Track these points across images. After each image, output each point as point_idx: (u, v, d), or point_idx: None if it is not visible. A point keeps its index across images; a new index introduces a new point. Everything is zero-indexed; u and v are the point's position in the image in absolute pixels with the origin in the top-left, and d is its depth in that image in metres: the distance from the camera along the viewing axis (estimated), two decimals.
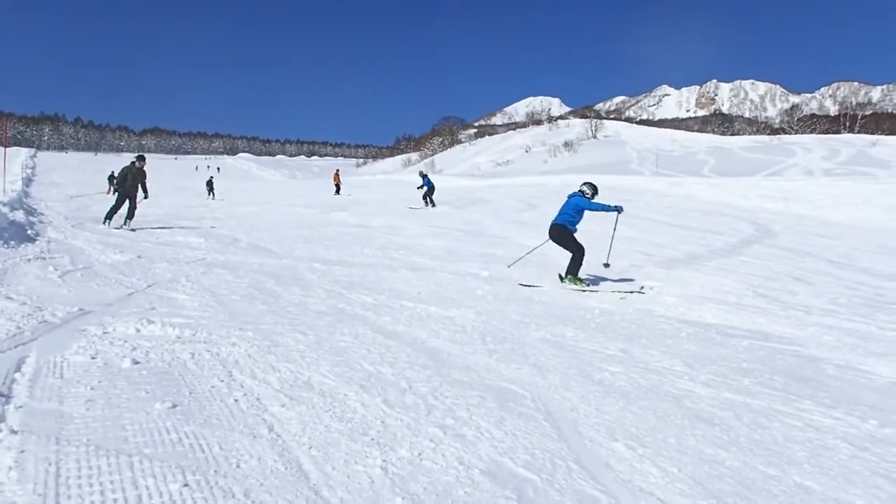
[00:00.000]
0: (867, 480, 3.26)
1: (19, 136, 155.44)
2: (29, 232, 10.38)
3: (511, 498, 2.87)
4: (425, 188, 23.39)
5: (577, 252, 8.54)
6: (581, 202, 8.85)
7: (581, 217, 8.83)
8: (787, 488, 3.14)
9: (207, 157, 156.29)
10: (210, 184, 30.52)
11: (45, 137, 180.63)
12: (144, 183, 13.20)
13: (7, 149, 30.00)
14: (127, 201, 12.71)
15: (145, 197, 13.38)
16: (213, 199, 27.50)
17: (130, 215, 12.61)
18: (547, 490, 2.98)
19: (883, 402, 4.51)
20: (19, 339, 4.61)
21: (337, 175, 33.39)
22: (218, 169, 61.61)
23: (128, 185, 12.88)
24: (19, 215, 11.45)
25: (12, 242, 8.95)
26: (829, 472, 3.33)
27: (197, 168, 66.11)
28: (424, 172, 27.34)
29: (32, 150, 75.99)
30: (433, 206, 22.63)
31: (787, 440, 3.73)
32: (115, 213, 12.69)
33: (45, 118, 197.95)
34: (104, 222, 12.56)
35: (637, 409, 4.11)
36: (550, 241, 8.99)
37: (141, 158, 13.37)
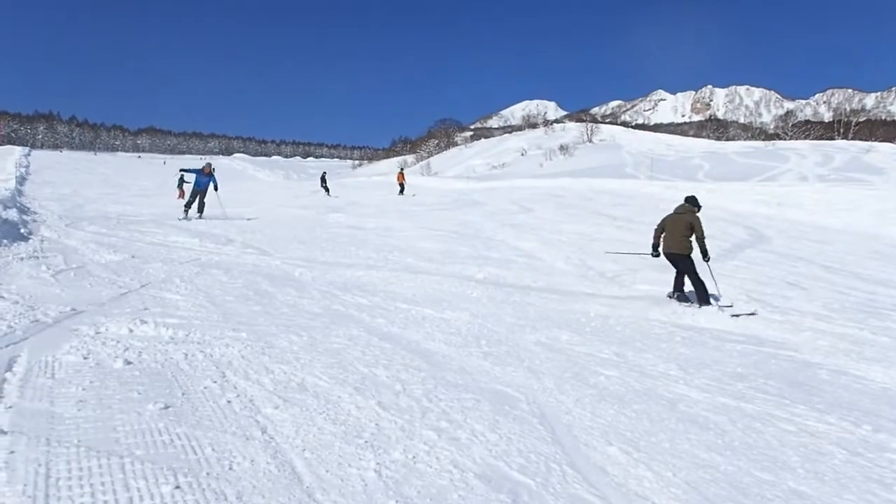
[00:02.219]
0: (861, 486, 3.26)
1: (13, 135, 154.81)
2: (22, 230, 10.31)
3: (506, 502, 2.87)
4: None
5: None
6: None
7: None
8: (781, 493, 3.14)
9: (202, 157, 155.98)
10: (323, 179, 32.07)
11: (40, 136, 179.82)
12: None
13: (1, 147, 29.73)
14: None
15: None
16: (328, 195, 29.04)
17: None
18: (542, 494, 2.97)
19: (876, 407, 4.53)
20: (10, 339, 4.57)
21: (401, 174, 32.49)
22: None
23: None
24: (12, 214, 11.38)
25: (5, 241, 8.89)
26: (823, 478, 3.33)
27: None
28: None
29: (27, 149, 75.60)
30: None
31: (781, 445, 3.73)
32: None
33: (39, 116, 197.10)
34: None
35: (632, 413, 4.10)
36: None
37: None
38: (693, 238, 7.85)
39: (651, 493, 3.06)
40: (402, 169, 33.68)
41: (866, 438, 3.92)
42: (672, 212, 8.22)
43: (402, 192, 30.51)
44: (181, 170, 18.62)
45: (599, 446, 3.56)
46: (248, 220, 15.49)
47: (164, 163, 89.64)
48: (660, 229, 8.18)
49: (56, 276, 7.06)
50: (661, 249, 8.14)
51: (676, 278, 8.10)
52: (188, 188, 28.08)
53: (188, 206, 15.35)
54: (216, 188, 15.78)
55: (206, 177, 15.64)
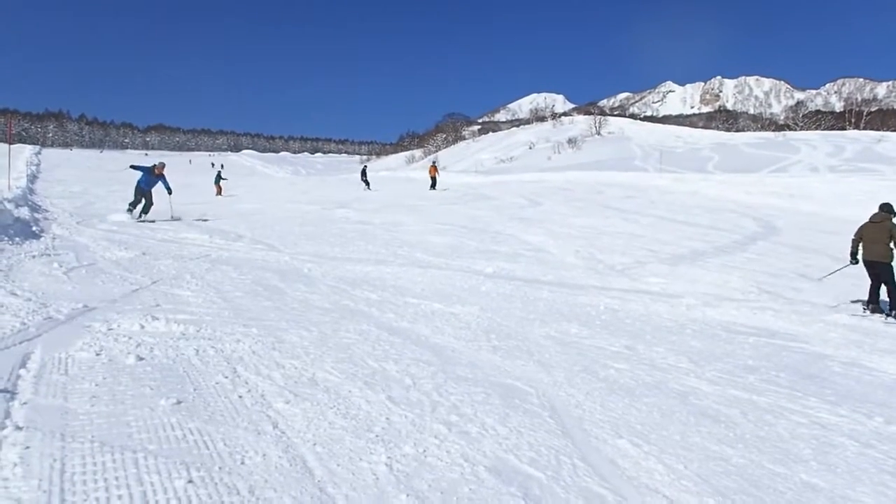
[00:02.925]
0: (874, 478, 3.24)
1: (24, 133, 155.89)
2: (34, 228, 10.40)
3: (516, 495, 2.87)
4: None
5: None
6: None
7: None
8: (793, 486, 3.13)
9: (211, 153, 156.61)
10: (364, 173, 32.41)
11: (50, 134, 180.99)
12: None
13: (12, 146, 29.99)
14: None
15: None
16: (368, 189, 29.65)
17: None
18: (552, 487, 2.97)
19: (889, 398, 4.50)
20: (24, 336, 4.62)
21: (434, 168, 31.62)
22: (222, 165, 61.79)
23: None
24: (24, 212, 11.48)
25: (17, 239, 8.97)
26: (836, 470, 3.32)
27: (213, 165, 66.27)
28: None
29: (37, 147, 76.05)
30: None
31: (793, 437, 3.72)
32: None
33: (49, 115, 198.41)
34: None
35: (642, 406, 4.10)
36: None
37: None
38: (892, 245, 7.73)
39: (662, 485, 3.06)
40: (434, 163, 32.90)
41: (878, 430, 3.89)
42: (867, 220, 8.10)
43: (433, 185, 29.80)
44: (130, 165, 16.75)
45: (610, 439, 3.55)
46: (206, 220, 14.63)
47: (191, 162, 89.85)
48: (857, 238, 8.12)
49: (68, 273, 7.12)
50: (859, 257, 8.03)
51: (872, 289, 7.78)
52: (224, 184, 28.54)
53: (132, 205, 14.10)
54: (169, 191, 14.70)
55: (155, 177, 14.37)
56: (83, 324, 5.08)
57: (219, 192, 25.78)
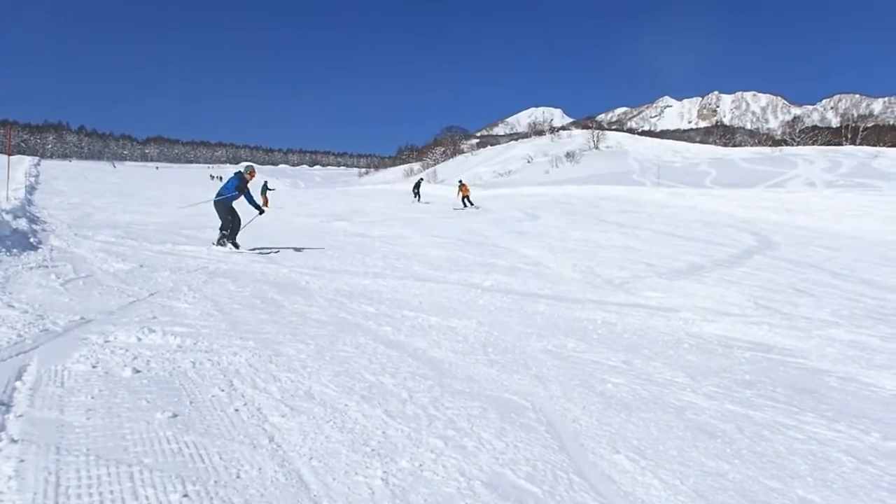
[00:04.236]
0: (871, 494, 3.24)
1: (23, 145, 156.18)
2: (31, 240, 10.40)
3: None
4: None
5: None
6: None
7: None
8: (789, 501, 3.13)
9: (210, 166, 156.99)
10: (418, 185, 32.51)
11: (49, 146, 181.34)
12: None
13: (10, 157, 30.03)
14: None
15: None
16: (418, 201, 29.72)
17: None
18: (548, 502, 2.96)
19: (886, 414, 4.50)
20: (20, 348, 4.61)
21: (465, 188, 29.67)
22: (220, 178, 61.91)
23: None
24: (22, 223, 11.48)
25: (15, 250, 8.96)
26: (832, 486, 3.31)
27: (213, 178, 66.34)
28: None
29: (36, 159, 76.23)
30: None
31: (789, 453, 3.71)
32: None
33: (48, 126, 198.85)
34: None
35: (639, 421, 4.09)
36: None
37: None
38: None
39: (658, 501, 3.05)
40: (462, 182, 31.08)
41: (875, 446, 3.89)
42: None
43: (465, 204, 28.74)
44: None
45: (606, 454, 3.55)
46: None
47: (157, 168, 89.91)
48: None
49: (65, 285, 7.12)
50: None
51: None
52: (271, 195, 28.32)
53: (225, 229, 11.23)
54: (257, 208, 11.91)
55: (243, 188, 11.52)
56: (80, 336, 5.07)
57: (265, 204, 25.71)
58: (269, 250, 11.34)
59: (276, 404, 3.91)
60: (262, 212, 11.81)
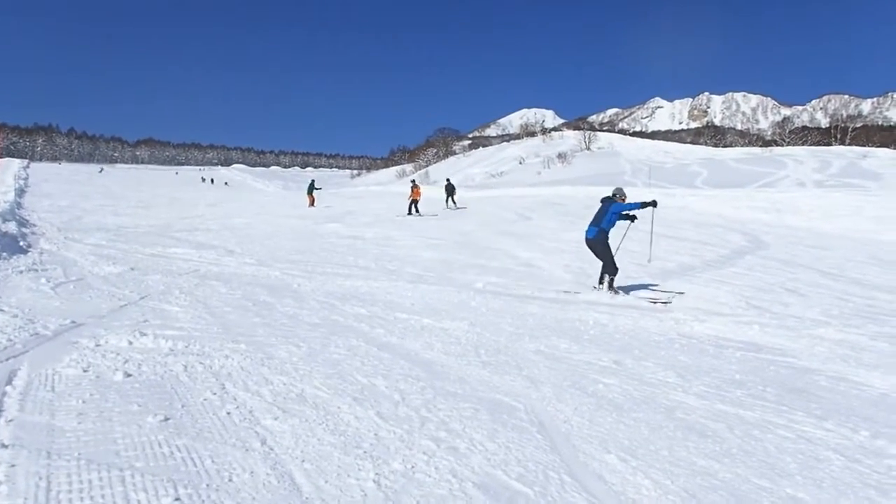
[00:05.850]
0: (859, 492, 3.27)
1: (12, 147, 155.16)
2: (21, 243, 10.34)
3: None
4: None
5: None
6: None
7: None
8: (779, 500, 3.15)
9: (202, 168, 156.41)
10: (450, 189, 28.64)
11: (39, 148, 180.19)
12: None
13: (0, 160, 29.77)
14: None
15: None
16: (448, 206, 27.35)
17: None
18: (540, 503, 2.98)
19: (875, 413, 4.53)
20: (10, 352, 4.59)
21: (417, 190, 26.15)
22: (212, 180, 61.77)
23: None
24: (11, 226, 11.41)
25: (4, 254, 8.91)
26: (821, 484, 3.34)
27: (204, 180, 65.79)
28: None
29: (25, 161, 75.66)
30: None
31: (779, 452, 3.74)
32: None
33: (38, 129, 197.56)
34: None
35: (630, 421, 4.11)
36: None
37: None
38: None
39: (649, 500, 3.07)
40: (415, 183, 28.25)
41: (864, 444, 3.92)
42: None
43: (410, 210, 27.20)
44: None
45: (598, 454, 3.57)
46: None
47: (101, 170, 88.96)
48: None
49: (55, 288, 7.08)
50: None
51: None
52: (318, 194, 28.25)
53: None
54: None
55: None
56: (70, 340, 5.05)
57: (311, 203, 25.51)
58: (667, 294, 8.90)
59: (268, 407, 3.91)
60: (651, 204, 9.41)
